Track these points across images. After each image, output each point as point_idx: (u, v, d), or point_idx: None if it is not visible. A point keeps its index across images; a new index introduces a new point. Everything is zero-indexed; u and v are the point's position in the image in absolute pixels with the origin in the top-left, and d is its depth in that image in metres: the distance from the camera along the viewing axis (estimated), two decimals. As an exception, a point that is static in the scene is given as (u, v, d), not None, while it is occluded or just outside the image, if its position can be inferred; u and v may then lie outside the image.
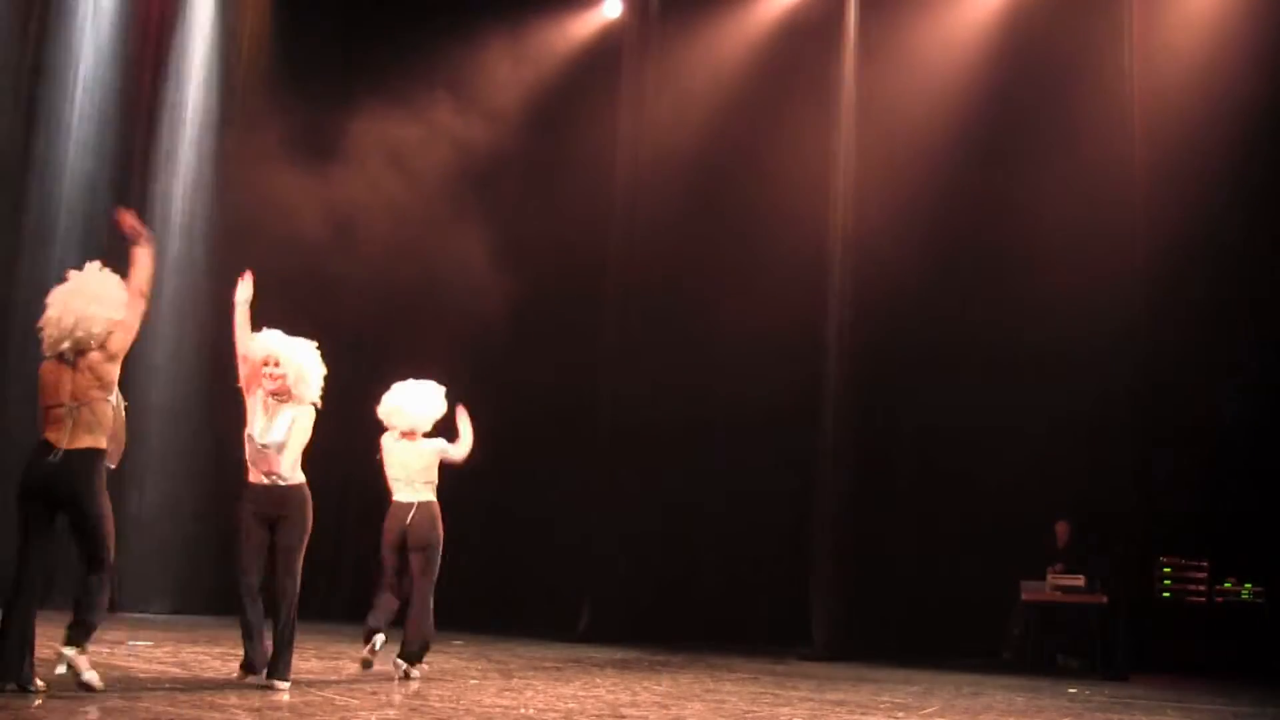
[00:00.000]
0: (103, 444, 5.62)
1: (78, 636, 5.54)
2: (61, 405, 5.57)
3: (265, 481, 6.53)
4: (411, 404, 7.60)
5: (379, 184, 13.11)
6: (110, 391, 5.70)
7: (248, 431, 6.58)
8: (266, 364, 6.61)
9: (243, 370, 6.71)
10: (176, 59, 12.78)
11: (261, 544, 6.53)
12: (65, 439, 5.53)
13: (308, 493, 6.59)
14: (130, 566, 11.72)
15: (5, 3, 11.10)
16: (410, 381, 7.70)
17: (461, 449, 7.73)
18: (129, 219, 5.91)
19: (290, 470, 6.54)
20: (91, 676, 5.55)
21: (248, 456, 6.58)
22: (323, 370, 6.75)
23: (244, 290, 6.83)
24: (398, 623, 7.46)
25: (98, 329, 5.62)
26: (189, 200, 12.85)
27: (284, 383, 6.59)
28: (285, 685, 6.32)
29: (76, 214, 11.58)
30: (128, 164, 12.26)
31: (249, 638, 6.48)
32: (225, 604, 12.57)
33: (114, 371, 5.72)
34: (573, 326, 13.45)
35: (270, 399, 6.60)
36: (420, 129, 13.37)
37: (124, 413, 5.85)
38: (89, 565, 5.57)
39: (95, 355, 5.64)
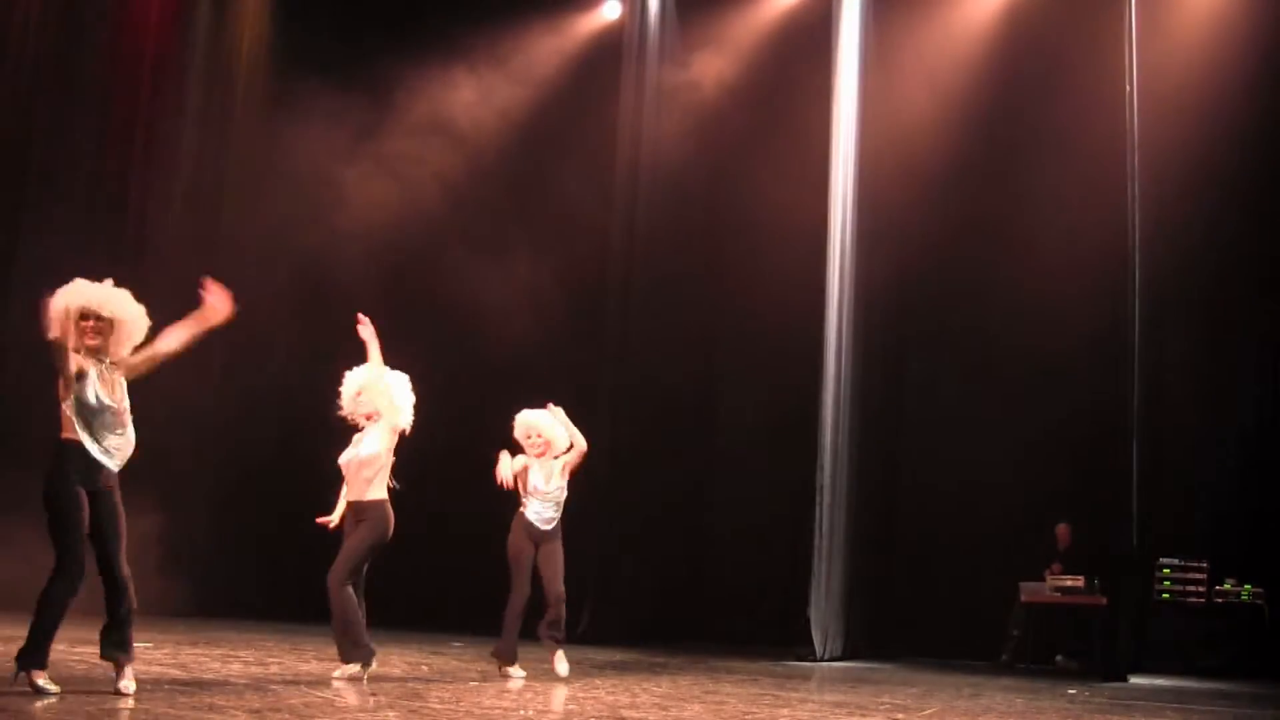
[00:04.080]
0: None
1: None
2: None
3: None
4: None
5: (377, 184, 13.12)
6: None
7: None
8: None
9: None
10: (176, 60, 12.79)
11: None
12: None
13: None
14: (130, 568, 11.71)
15: (5, 4, 11.11)
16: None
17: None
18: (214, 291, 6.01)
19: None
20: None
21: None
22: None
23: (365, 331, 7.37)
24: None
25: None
26: (188, 202, 12.86)
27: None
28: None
29: (75, 216, 11.59)
30: (127, 166, 12.26)
31: None
32: (225, 605, 12.62)
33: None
34: (572, 327, 13.44)
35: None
36: (419, 130, 13.39)
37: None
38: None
39: None
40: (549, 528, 8.25)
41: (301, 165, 13.18)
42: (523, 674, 7.98)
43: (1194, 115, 11.38)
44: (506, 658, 8.07)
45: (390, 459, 7.37)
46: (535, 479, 8.26)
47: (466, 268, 12.90)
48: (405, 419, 7.47)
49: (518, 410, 8.49)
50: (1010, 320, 12.19)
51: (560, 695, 7.09)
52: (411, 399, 7.53)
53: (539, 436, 8.31)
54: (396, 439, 7.42)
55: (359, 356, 7.50)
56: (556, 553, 8.25)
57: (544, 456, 8.33)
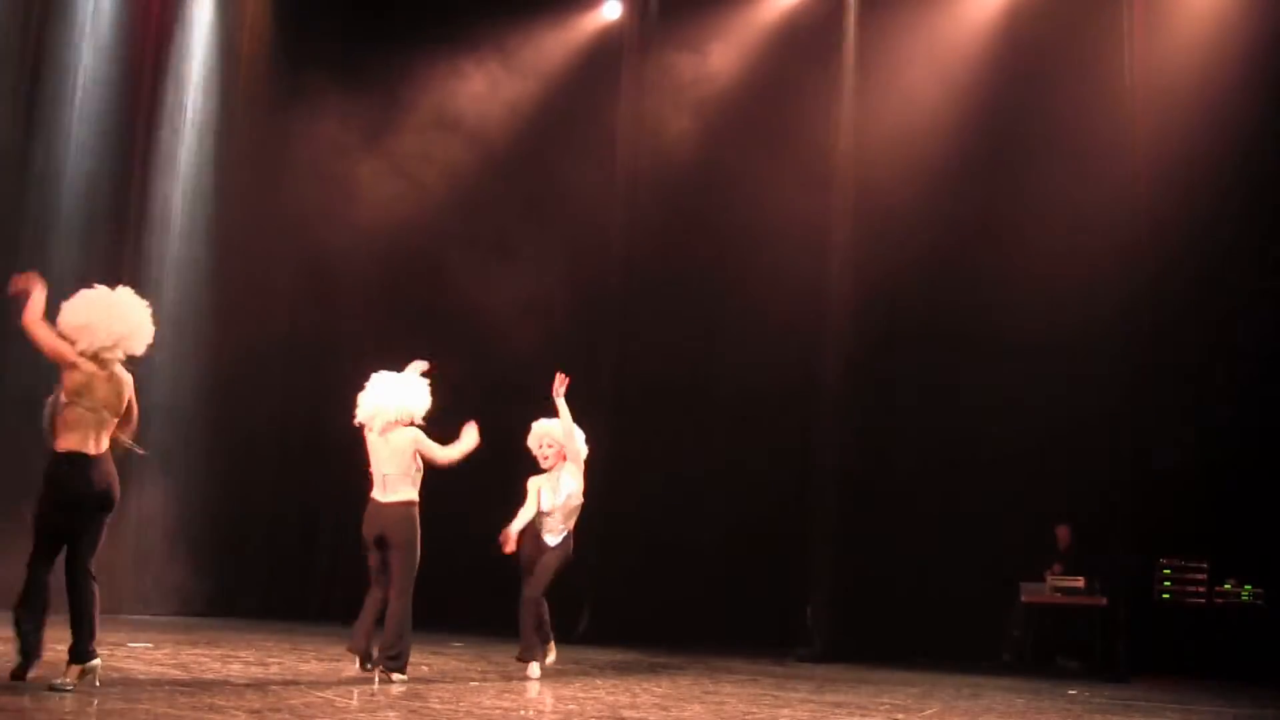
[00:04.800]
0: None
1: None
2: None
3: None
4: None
5: (378, 183, 13.12)
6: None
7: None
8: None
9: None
10: (176, 60, 12.77)
11: None
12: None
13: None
14: (130, 568, 11.73)
15: (4, 4, 11.09)
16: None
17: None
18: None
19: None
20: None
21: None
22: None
23: None
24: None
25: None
26: (188, 202, 12.85)
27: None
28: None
29: (76, 216, 11.57)
30: (127, 166, 12.25)
31: None
32: (225, 605, 12.62)
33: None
34: (572, 326, 13.43)
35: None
36: (420, 131, 13.38)
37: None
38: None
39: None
40: (555, 540, 8.06)
41: (305, 162, 13.18)
42: (537, 673, 7.93)
43: (1195, 109, 11.37)
44: (524, 655, 8.00)
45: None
46: (544, 499, 8.07)
47: (469, 262, 12.90)
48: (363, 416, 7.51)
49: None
50: (1011, 319, 12.15)
51: (560, 695, 7.09)
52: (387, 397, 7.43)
53: (549, 446, 8.13)
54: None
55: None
56: (549, 560, 7.99)
57: (555, 468, 8.11)
